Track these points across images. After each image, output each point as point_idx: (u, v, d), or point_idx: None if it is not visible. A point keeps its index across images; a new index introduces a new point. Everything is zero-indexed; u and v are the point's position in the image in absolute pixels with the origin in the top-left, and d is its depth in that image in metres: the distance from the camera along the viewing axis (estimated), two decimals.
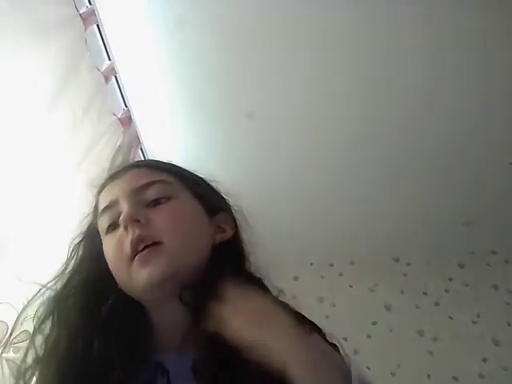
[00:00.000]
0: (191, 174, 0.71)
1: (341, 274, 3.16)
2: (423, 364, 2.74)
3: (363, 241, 3.02)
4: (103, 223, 0.64)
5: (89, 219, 0.71)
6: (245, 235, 0.70)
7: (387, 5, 1.74)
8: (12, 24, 1.18)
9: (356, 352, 2.79)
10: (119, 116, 1.91)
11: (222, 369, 0.53)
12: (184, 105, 2.15)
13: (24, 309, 0.64)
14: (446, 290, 3.02)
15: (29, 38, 1.25)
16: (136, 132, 2.03)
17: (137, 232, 0.57)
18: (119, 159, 1.77)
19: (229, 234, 0.67)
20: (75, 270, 0.66)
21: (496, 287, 2.98)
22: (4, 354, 0.92)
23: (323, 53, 1.94)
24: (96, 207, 0.68)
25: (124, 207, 0.60)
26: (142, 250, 0.57)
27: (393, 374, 2.72)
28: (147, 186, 0.63)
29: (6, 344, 0.91)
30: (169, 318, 0.60)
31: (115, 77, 1.85)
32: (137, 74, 1.96)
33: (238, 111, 2.17)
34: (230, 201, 0.72)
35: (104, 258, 0.63)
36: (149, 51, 1.92)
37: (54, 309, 0.62)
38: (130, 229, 0.58)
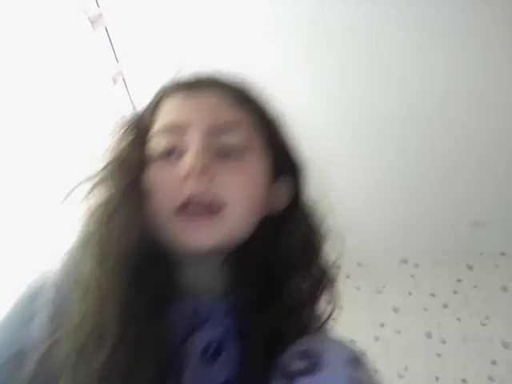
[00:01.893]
0: (274, 117, 0.58)
1: (348, 276, 3.15)
2: (431, 366, 2.73)
3: (370, 242, 3.01)
4: (159, 144, 0.52)
5: (141, 114, 0.58)
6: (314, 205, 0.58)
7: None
8: (23, 28, 1.19)
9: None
10: None
11: (260, 318, 0.50)
12: None
13: None
14: (455, 292, 3.00)
15: (38, 40, 1.26)
16: None
17: (201, 188, 0.48)
18: None
19: (280, 206, 0.56)
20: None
21: (505, 289, 2.95)
22: None
23: (337, 56, 1.93)
24: (156, 108, 0.56)
25: (193, 146, 0.50)
26: (198, 207, 0.48)
27: (400, 377, 2.71)
28: (228, 126, 0.52)
29: None
30: (200, 271, 0.53)
31: (122, 78, 1.86)
32: (143, 76, 1.97)
33: None
34: (303, 161, 0.58)
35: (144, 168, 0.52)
36: (155, 52, 1.93)
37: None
38: (192, 179, 0.48)
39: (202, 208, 0.48)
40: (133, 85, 1.92)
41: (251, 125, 0.54)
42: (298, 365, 0.44)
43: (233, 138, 0.52)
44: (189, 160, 0.49)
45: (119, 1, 1.70)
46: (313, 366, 0.43)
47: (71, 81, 1.44)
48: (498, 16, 1.73)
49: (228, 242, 0.50)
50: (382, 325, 2.91)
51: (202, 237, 0.48)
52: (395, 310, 2.96)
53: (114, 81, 1.75)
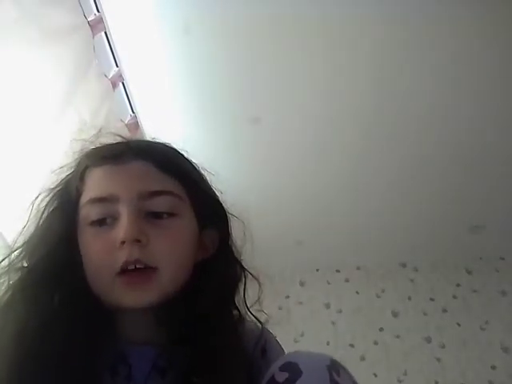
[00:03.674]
0: (198, 177, 0.63)
1: (347, 280, 3.14)
2: (431, 371, 2.72)
3: (370, 246, 3.01)
4: (90, 214, 0.55)
5: (64, 183, 0.61)
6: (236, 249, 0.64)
7: (401, 5, 1.74)
8: (21, 32, 1.19)
9: (362, 359, 2.77)
10: (126, 122, 1.92)
11: (183, 367, 0.54)
12: (191, 111, 2.16)
13: None
14: (454, 296, 3.00)
15: (38, 45, 1.26)
16: (143, 138, 2.04)
17: (135, 255, 0.52)
18: None
19: (209, 253, 0.61)
20: (37, 243, 0.57)
21: (504, 293, 2.95)
22: None
23: (337, 56, 1.93)
24: (81, 179, 0.58)
25: (124, 216, 0.54)
26: (133, 270, 0.53)
27: (400, 381, 2.70)
28: (156, 194, 0.56)
29: None
30: (135, 320, 0.57)
31: (122, 83, 1.87)
32: (144, 81, 1.98)
33: (246, 116, 2.18)
34: (227, 210, 0.65)
35: (73, 236, 0.57)
36: (156, 58, 1.93)
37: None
38: (127, 246, 0.52)
39: (137, 274, 0.53)
40: (133, 90, 1.92)
41: (177, 188, 0.58)
42: (282, 376, 0.49)
43: (161, 204, 0.56)
44: (124, 228, 0.53)
45: (119, 5, 1.71)
46: (293, 375, 0.48)
47: (69, 83, 1.45)
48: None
49: (162, 298, 0.54)
50: (381, 329, 2.90)
51: (138, 299, 0.53)
52: (394, 314, 2.96)
53: (114, 85, 1.75)
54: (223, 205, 0.64)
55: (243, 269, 0.64)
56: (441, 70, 1.98)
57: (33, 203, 0.60)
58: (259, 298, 0.63)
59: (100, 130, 0.65)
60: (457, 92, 2.07)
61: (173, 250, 0.56)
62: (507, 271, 3.02)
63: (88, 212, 0.56)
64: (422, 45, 1.89)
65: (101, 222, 0.55)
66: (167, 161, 0.60)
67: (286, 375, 0.49)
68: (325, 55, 1.94)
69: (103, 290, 0.55)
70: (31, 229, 0.59)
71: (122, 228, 0.53)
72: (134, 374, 0.54)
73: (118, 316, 0.57)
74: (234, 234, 0.64)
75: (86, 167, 0.59)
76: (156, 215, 0.56)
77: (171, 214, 0.56)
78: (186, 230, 0.58)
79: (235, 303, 0.62)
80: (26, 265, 0.56)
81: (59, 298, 0.53)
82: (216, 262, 0.61)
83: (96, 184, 0.57)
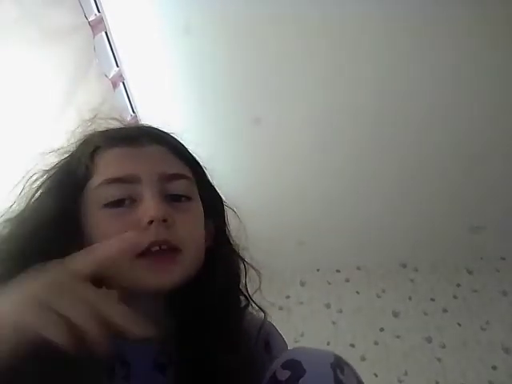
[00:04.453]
0: (204, 171, 0.65)
1: (347, 280, 3.14)
2: (431, 371, 2.72)
3: (370, 246, 3.00)
4: (106, 194, 0.53)
5: (63, 165, 0.59)
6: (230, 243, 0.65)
7: (401, 5, 1.74)
8: (22, 32, 1.19)
9: (363, 359, 2.77)
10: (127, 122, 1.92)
11: (187, 364, 0.54)
12: (192, 111, 2.16)
13: None
14: (454, 297, 3.00)
15: (38, 45, 1.27)
16: None
17: (163, 235, 0.52)
18: None
19: (208, 243, 0.61)
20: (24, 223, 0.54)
21: (505, 293, 2.95)
22: None
23: (338, 56, 1.93)
24: (91, 159, 0.56)
25: (149, 196, 0.53)
26: (156, 251, 0.52)
27: (400, 382, 2.70)
28: (175, 177, 0.56)
29: None
30: (144, 307, 0.54)
31: (123, 83, 1.87)
32: (144, 81, 1.98)
33: (246, 117, 2.18)
34: (224, 202, 0.66)
35: (67, 217, 0.53)
36: (156, 58, 1.94)
37: None
38: (154, 226, 0.51)
39: (163, 254, 0.52)
40: (133, 90, 1.92)
41: (192, 179, 0.59)
42: (284, 374, 0.48)
43: (180, 187, 0.57)
44: (152, 207, 0.52)
45: (120, 5, 1.71)
46: (295, 374, 0.48)
47: (70, 84, 1.45)
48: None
49: (184, 280, 0.54)
50: (381, 329, 2.90)
51: (164, 279, 0.52)
52: (395, 314, 2.96)
53: (114, 85, 1.75)
54: (221, 196, 0.66)
55: (242, 259, 0.64)
56: (441, 70, 1.98)
57: (25, 183, 0.58)
58: (259, 287, 0.64)
59: (96, 116, 0.64)
60: (457, 92, 2.07)
61: (193, 232, 0.56)
62: (508, 271, 3.02)
63: (103, 193, 0.54)
64: (422, 45, 1.89)
65: (117, 204, 0.53)
66: (180, 147, 0.61)
67: (288, 373, 0.48)
68: (325, 55, 1.94)
69: (119, 273, 0.51)
70: (20, 207, 0.56)
71: (150, 207, 0.52)
72: (132, 373, 0.53)
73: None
74: (233, 227, 0.65)
75: (97, 148, 0.57)
76: (174, 198, 0.56)
77: (188, 198, 0.57)
78: (201, 214, 0.59)
79: (241, 291, 0.62)
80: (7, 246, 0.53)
81: None
82: (215, 252, 0.61)
83: (112, 164, 0.55)
